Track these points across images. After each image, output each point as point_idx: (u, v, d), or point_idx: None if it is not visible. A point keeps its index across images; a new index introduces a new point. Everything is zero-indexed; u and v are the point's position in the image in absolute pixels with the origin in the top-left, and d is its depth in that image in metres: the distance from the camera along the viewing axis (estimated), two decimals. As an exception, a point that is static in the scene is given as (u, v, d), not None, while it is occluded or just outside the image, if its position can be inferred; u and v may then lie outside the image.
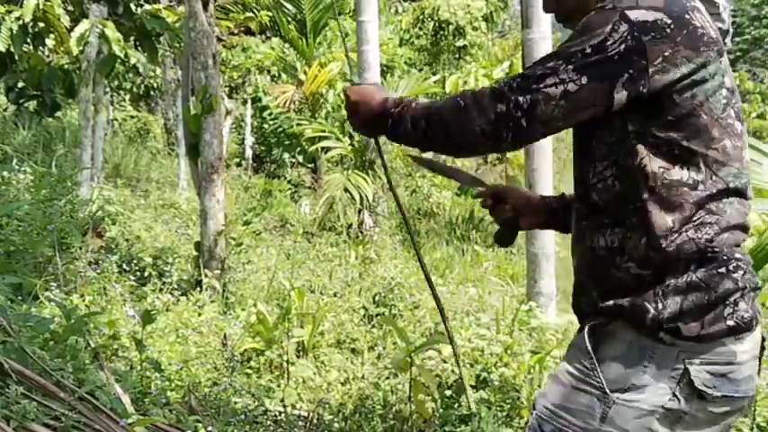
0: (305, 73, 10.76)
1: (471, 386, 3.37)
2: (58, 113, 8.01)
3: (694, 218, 1.29)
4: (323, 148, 8.92)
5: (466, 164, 11.27)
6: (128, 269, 4.97)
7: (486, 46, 13.22)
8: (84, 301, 4.00)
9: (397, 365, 3.26)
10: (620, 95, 1.26)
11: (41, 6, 6.12)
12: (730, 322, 1.28)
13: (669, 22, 1.26)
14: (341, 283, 5.28)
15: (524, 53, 4.49)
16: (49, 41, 6.87)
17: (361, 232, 7.31)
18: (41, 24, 6.24)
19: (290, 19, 10.92)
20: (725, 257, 1.29)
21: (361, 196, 7.20)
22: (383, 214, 7.86)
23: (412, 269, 5.68)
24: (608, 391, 1.30)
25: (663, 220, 1.29)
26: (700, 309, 1.27)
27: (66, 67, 7.07)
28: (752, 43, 28.61)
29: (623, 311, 1.32)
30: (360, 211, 7.42)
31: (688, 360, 1.28)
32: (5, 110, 9.37)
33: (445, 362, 3.56)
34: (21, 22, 6.03)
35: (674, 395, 1.28)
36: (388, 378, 3.64)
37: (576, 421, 1.33)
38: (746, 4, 28.52)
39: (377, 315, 4.62)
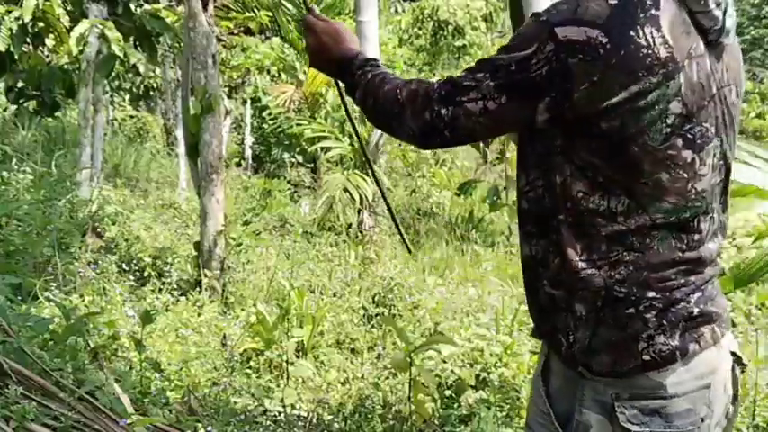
0: (304, 73, 10.76)
1: (471, 386, 3.37)
2: (58, 113, 8.00)
3: (611, 254, 1.18)
4: (322, 148, 8.92)
5: (466, 163, 11.28)
6: (127, 269, 4.98)
7: (486, 46, 13.22)
8: (83, 301, 4.00)
9: (396, 365, 3.26)
10: (542, 117, 1.18)
11: (41, 6, 6.12)
12: (646, 357, 1.18)
13: (605, 41, 1.11)
14: (340, 283, 5.28)
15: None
16: (49, 41, 6.88)
17: (361, 232, 7.31)
18: (41, 24, 6.24)
19: (289, 19, 10.91)
20: (633, 298, 1.18)
21: (360, 196, 7.20)
22: (383, 214, 7.86)
23: (411, 269, 5.69)
24: None
25: (573, 246, 1.20)
26: (609, 344, 1.20)
27: (65, 67, 7.06)
28: (751, 43, 28.63)
29: (547, 337, 1.31)
30: (359, 211, 7.41)
31: (614, 395, 1.20)
32: (5, 110, 9.37)
33: (445, 362, 3.56)
34: (20, 21, 6.03)
35: None
36: (387, 378, 3.65)
37: None
38: (746, 4, 28.54)
39: (376, 315, 4.62)
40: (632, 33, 1.12)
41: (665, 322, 1.18)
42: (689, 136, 1.17)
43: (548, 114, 1.17)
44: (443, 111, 1.23)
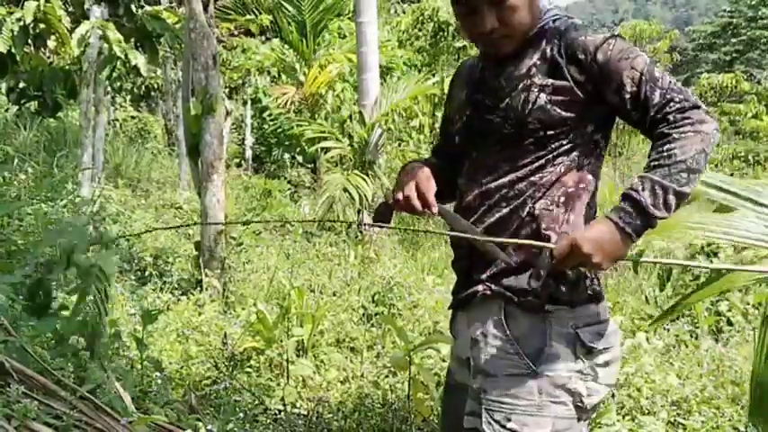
0: (305, 74, 10.79)
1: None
2: (59, 114, 8.01)
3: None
4: (322, 149, 8.94)
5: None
6: (128, 269, 5.00)
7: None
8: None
9: (396, 364, 3.28)
10: None
11: (42, 8, 6.14)
12: (589, 291, 1.57)
13: None
14: (340, 283, 5.30)
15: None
16: (50, 42, 6.89)
17: (361, 232, 7.33)
18: (42, 25, 6.25)
19: (290, 20, 10.94)
20: None
21: (360, 196, 7.22)
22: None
23: (411, 269, 5.70)
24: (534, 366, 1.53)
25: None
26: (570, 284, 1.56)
27: (67, 68, 7.08)
28: (748, 44, 28.62)
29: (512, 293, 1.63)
30: (359, 211, 7.43)
31: (574, 325, 1.55)
32: (7, 110, 9.39)
33: (444, 360, 3.58)
34: (21, 23, 6.05)
35: (576, 356, 1.54)
36: (387, 377, 3.66)
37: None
38: (743, 5, 28.52)
39: (376, 314, 4.64)
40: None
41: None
42: None
43: None
44: (693, 97, 1.47)
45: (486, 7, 1.54)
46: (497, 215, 1.58)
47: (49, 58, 8.34)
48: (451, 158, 1.73)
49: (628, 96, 1.49)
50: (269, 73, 12.41)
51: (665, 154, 1.41)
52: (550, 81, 1.54)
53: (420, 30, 13.34)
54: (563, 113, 1.53)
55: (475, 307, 1.62)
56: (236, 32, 11.87)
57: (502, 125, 1.58)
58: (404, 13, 15.30)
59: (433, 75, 10.93)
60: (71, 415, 2.27)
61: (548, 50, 1.57)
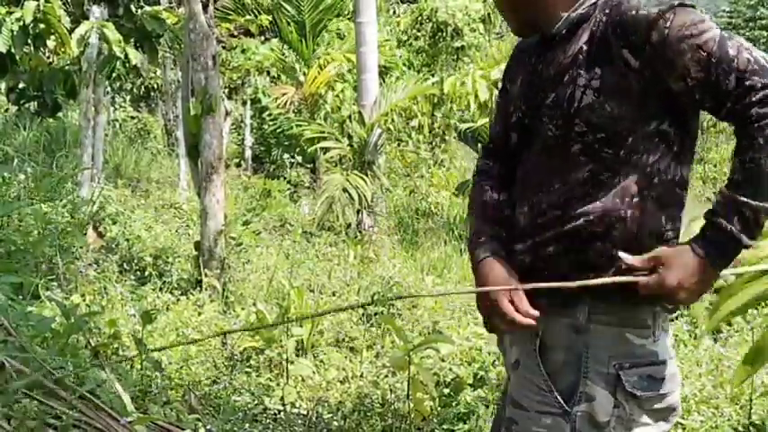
0: (304, 74, 10.79)
1: (469, 384, 3.39)
2: (59, 114, 8.01)
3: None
4: (322, 149, 8.94)
5: (464, 164, 11.30)
6: (128, 269, 5.00)
7: (484, 47, 13.24)
8: (84, 300, 4.02)
9: (395, 364, 3.28)
10: None
11: (42, 8, 6.14)
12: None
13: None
14: (340, 283, 5.30)
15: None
16: (50, 43, 6.89)
17: (360, 232, 7.34)
18: (42, 26, 6.25)
19: (289, 21, 10.94)
20: None
21: (359, 196, 7.22)
22: (382, 214, 7.88)
23: (410, 269, 5.71)
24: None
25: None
26: None
27: (66, 68, 7.08)
28: (748, 44, 28.53)
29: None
30: (359, 211, 7.44)
31: (617, 365, 1.31)
32: (6, 111, 9.39)
33: (443, 360, 3.58)
34: (21, 23, 6.05)
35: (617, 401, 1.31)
36: (386, 377, 3.67)
37: None
38: (742, 5, 28.53)
39: (375, 314, 4.64)
40: None
41: None
42: None
43: None
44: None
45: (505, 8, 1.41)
46: (553, 250, 1.34)
47: (48, 58, 8.34)
48: (510, 162, 1.48)
49: (694, 83, 1.21)
50: (268, 73, 12.40)
51: (750, 165, 1.17)
52: (598, 70, 1.28)
53: (419, 30, 13.34)
54: (616, 110, 1.26)
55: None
56: (235, 33, 11.86)
57: (547, 126, 1.34)
58: (403, 13, 15.30)
59: (432, 75, 10.94)
60: (70, 415, 2.27)
61: (597, 30, 1.29)
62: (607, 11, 1.30)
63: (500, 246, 1.44)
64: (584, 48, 1.31)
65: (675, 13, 1.23)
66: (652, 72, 1.25)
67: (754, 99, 1.17)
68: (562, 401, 1.32)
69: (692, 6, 1.25)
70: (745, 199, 1.18)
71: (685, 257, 1.22)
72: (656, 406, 1.33)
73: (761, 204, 1.18)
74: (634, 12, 1.25)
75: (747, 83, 1.17)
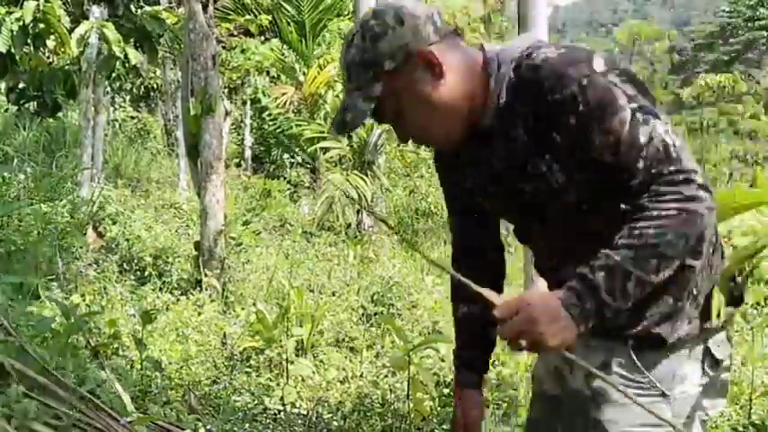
0: (304, 74, 10.79)
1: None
2: (59, 114, 8.02)
3: None
4: (322, 149, 8.94)
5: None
6: (128, 269, 5.01)
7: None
8: (84, 300, 4.02)
9: (395, 364, 3.28)
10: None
11: (41, 7, 6.14)
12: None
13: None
14: (339, 283, 5.30)
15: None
16: (50, 43, 6.89)
17: (360, 232, 7.34)
18: (42, 25, 6.26)
19: (289, 21, 10.94)
20: None
21: (359, 196, 7.23)
22: (382, 214, 7.88)
23: (410, 269, 5.71)
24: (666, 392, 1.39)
25: None
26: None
27: (66, 68, 7.09)
28: (746, 44, 28.66)
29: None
30: (358, 211, 7.44)
31: (705, 338, 1.40)
32: (6, 111, 9.39)
33: (443, 360, 3.59)
34: (21, 23, 6.05)
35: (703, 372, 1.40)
36: (386, 376, 3.67)
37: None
38: (742, 5, 28.55)
39: (375, 314, 4.65)
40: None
41: None
42: None
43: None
44: (687, 163, 1.19)
45: (394, 121, 1.36)
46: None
47: (48, 58, 8.34)
48: (482, 259, 1.60)
49: (607, 164, 1.22)
50: (268, 73, 12.41)
51: (637, 233, 1.17)
52: (548, 156, 1.28)
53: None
54: (590, 175, 1.27)
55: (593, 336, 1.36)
56: (235, 33, 11.86)
57: (544, 207, 1.36)
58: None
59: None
60: (71, 415, 2.27)
61: (527, 118, 1.28)
62: (527, 96, 1.27)
63: (472, 373, 1.64)
64: (525, 139, 1.30)
65: (586, 92, 1.20)
66: (579, 149, 1.24)
67: (659, 181, 1.18)
68: (661, 387, 1.37)
69: (603, 75, 1.21)
70: (620, 259, 1.17)
71: (550, 295, 1.21)
72: (725, 366, 1.43)
73: (633, 271, 1.17)
74: (549, 97, 1.23)
75: (654, 170, 1.18)
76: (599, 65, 1.22)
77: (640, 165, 1.19)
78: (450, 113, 1.33)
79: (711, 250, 1.37)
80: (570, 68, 1.21)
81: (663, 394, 1.38)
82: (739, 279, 1.56)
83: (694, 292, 1.36)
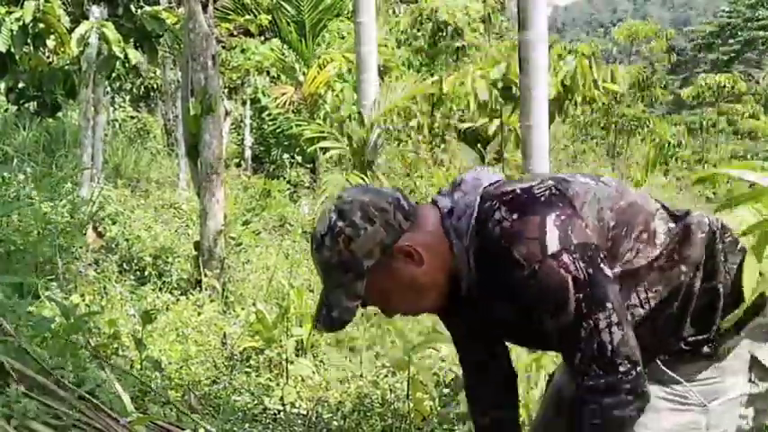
0: (304, 74, 10.78)
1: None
2: (59, 114, 8.01)
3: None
4: (321, 149, 8.94)
5: (464, 164, 11.29)
6: (128, 269, 5.00)
7: (485, 47, 13.25)
8: (84, 300, 4.02)
9: (395, 364, 3.28)
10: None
11: (41, 7, 6.14)
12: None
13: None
14: (340, 283, 5.29)
15: (521, 54, 4.53)
16: (50, 42, 6.89)
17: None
18: (41, 25, 6.25)
19: (289, 20, 10.94)
20: None
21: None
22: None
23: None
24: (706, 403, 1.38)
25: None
26: None
27: (66, 68, 7.08)
28: (746, 44, 28.66)
29: None
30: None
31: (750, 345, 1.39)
32: (6, 111, 9.39)
33: (443, 360, 3.59)
34: (21, 23, 6.05)
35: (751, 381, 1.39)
36: (386, 377, 3.67)
37: None
38: (741, 5, 28.55)
39: (375, 314, 4.64)
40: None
41: None
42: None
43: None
44: (622, 368, 1.23)
45: (381, 305, 1.41)
46: None
47: (48, 58, 8.34)
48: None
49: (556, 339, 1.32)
50: (268, 73, 12.40)
51: None
52: (526, 320, 1.35)
53: (419, 30, 13.34)
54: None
55: None
56: (235, 33, 11.86)
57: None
58: (402, 13, 15.30)
59: (432, 75, 10.94)
60: (70, 415, 2.27)
61: (500, 288, 1.33)
62: (493, 268, 1.31)
63: None
64: (503, 304, 1.36)
65: (537, 277, 1.24)
66: (537, 320, 1.31)
67: (588, 379, 1.24)
68: (701, 397, 1.38)
69: (555, 257, 1.23)
70: None
71: None
72: None
73: None
74: (509, 274, 1.27)
75: (585, 367, 1.25)
76: (552, 243, 1.23)
77: (576, 358, 1.26)
78: (434, 288, 1.38)
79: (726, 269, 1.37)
80: (523, 248, 1.24)
81: (701, 404, 1.38)
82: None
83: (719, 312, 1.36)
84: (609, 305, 1.24)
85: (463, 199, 1.35)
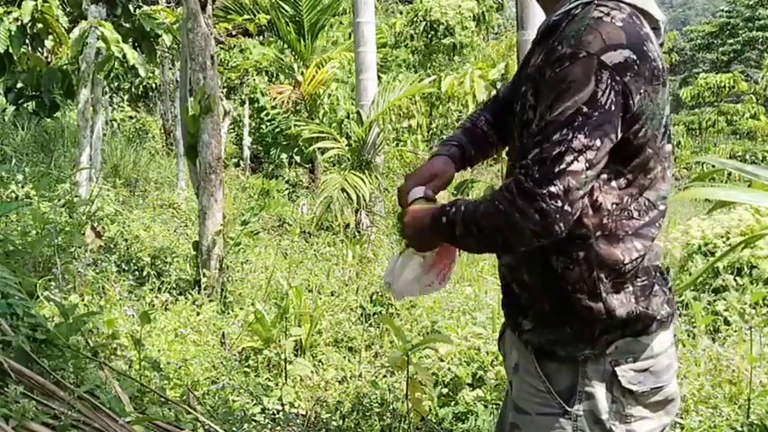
0: (302, 74, 10.78)
1: (468, 384, 3.40)
2: (57, 114, 8.02)
3: (638, 251, 1.35)
4: (320, 149, 8.94)
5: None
6: (126, 269, 5.00)
7: (481, 46, 13.25)
8: (82, 300, 4.02)
9: (394, 364, 3.28)
10: (617, 138, 1.27)
11: (40, 7, 6.14)
12: (642, 322, 1.42)
13: (635, 58, 1.24)
14: (338, 283, 5.30)
15: (519, 54, 4.52)
16: (48, 42, 6.89)
17: (359, 232, 7.34)
18: (40, 25, 6.26)
19: (287, 20, 10.94)
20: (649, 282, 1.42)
21: (358, 196, 7.22)
22: (380, 214, 7.88)
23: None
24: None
25: (609, 252, 1.33)
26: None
27: (64, 67, 7.08)
28: (746, 44, 28.69)
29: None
30: (357, 211, 7.44)
31: (613, 362, 1.37)
32: (4, 111, 9.38)
33: (442, 360, 3.59)
34: (19, 22, 6.05)
35: (614, 398, 1.37)
36: (385, 376, 3.67)
37: None
38: (741, 5, 28.57)
39: (374, 314, 4.64)
40: (645, 48, 1.27)
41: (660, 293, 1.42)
42: (669, 131, 1.38)
43: (621, 134, 1.26)
44: (552, 188, 1.20)
45: None
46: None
47: (46, 58, 8.34)
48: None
49: (531, 130, 1.31)
50: (267, 73, 12.40)
51: (481, 205, 1.30)
52: (533, 93, 1.34)
53: (414, 30, 13.35)
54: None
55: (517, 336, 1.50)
56: (233, 32, 11.86)
57: (513, 130, 1.47)
58: (400, 14, 15.31)
59: (428, 74, 10.95)
60: (69, 415, 2.27)
61: (554, 48, 1.31)
62: (557, 30, 1.33)
63: (461, 153, 1.62)
64: (540, 61, 1.34)
65: (571, 61, 1.23)
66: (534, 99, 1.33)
67: (520, 174, 1.23)
68: (562, 402, 1.38)
69: (602, 67, 1.21)
70: (465, 217, 1.32)
71: (424, 215, 1.42)
72: (653, 399, 1.39)
73: (469, 234, 1.31)
74: (561, 47, 1.27)
75: (528, 165, 1.23)
76: (611, 57, 1.22)
77: (531, 154, 1.24)
78: None
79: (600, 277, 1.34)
80: (590, 36, 1.24)
81: (563, 409, 1.37)
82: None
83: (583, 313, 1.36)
84: (596, 142, 1.21)
85: None
